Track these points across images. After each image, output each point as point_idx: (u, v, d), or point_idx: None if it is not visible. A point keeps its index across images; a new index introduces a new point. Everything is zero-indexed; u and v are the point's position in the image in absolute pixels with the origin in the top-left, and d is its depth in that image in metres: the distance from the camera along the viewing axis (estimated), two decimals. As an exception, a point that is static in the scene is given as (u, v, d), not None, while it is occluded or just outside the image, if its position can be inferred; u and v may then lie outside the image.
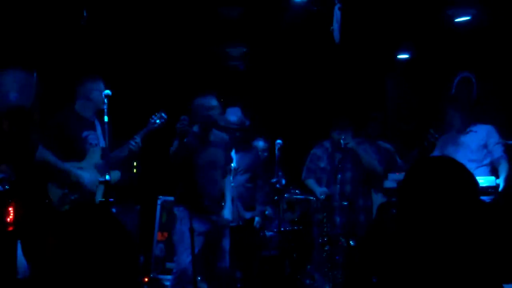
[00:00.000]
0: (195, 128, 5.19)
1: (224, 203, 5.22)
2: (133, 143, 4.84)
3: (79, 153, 4.74)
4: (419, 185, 1.81)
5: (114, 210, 4.79)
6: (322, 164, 5.94)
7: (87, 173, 4.69)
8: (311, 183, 6.01)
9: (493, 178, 5.22)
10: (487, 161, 5.43)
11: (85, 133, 4.80)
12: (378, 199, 6.16)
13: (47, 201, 4.69)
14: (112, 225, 1.65)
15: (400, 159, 6.36)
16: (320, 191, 5.82)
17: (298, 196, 6.61)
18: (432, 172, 1.82)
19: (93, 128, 4.86)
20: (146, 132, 4.96)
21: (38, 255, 1.65)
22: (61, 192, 4.65)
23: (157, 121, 5.00)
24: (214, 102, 5.16)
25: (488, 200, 5.01)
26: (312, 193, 6.13)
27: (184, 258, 4.95)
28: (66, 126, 4.77)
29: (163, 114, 5.03)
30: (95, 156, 4.77)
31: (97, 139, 4.79)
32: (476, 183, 1.82)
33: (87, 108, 4.90)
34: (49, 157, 4.60)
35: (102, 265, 1.59)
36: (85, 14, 5.82)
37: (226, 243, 5.20)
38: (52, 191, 4.67)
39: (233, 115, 5.86)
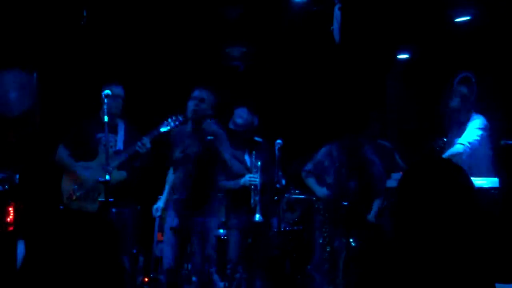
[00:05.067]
0: (188, 125, 5.16)
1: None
2: (140, 144, 4.87)
3: (91, 153, 5.03)
4: (416, 187, 1.82)
5: (114, 210, 4.80)
6: (329, 180, 5.83)
7: (90, 172, 4.95)
8: (311, 182, 5.95)
9: (496, 179, 5.20)
10: None
11: (99, 135, 5.01)
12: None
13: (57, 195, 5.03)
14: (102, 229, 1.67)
15: (401, 158, 6.36)
16: (322, 192, 5.79)
17: (298, 196, 6.60)
18: (429, 174, 1.83)
19: (112, 131, 4.98)
20: (157, 133, 4.95)
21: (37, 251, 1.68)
22: (71, 188, 4.99)
23: (172, 123, 4.96)
24: (197, 94, 5.08)
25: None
26: (312, 192, 6.09)
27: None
28: (84, 129, 5.12)
29: (179, 117, 4.97)
30: (104, 157, 4.86)
31: (115, 141, 4.97)
32: (472, 184, 1.83)
33: (103, 113, 4.97)
34: (64, 157, 5.09)
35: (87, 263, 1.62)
36: (85, 14, 5.82)
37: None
38: (64, 187, 5.05)
39: (239, 117, 5.73)
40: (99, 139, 5.01)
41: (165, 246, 5.23)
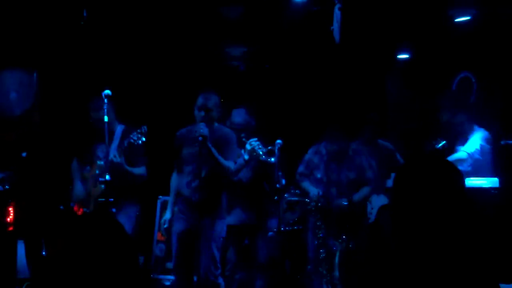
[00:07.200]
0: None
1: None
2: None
3: (91, 164, 5.10)
4: (410, 182, 1.83)
5: (113, 210, 4.79)
6: (319, 175, 5.76)
7: (80, 185, 5.06)
8: (306, 185, 5.89)
9: (496, 179, 5.20)
10: None
11: (95, 146, 5.06)
12: (379, 200, 6.16)
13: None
14: (113, 230, 1.67)
15: (402, 158, 6.36)
16: (314, 193, 5.75)
17: (293, 198, 6.57)
18: (422, 170, 1.84)
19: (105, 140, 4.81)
20: (124, 147, 4.84)
21: (44, 257, 1.68)
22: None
23: (137, 140, 4.82)
24: (202, 102, 4.94)
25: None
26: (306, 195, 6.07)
27: None
28: (83, 141, 5.20)
29: (144, 128, 4.83)
30: (95, 168, 5.00)
31: (105, 151, 4.78)
32: (463, 182, 1.85)
33: (98, 115, 4.94)
34: (73, 169, 5.16)
35: (103, 268, 1.61)
36: (85, 14, 5.82)
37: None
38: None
39: (238, 116, 5.71)
40: (94, 151, 5.03)
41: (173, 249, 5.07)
